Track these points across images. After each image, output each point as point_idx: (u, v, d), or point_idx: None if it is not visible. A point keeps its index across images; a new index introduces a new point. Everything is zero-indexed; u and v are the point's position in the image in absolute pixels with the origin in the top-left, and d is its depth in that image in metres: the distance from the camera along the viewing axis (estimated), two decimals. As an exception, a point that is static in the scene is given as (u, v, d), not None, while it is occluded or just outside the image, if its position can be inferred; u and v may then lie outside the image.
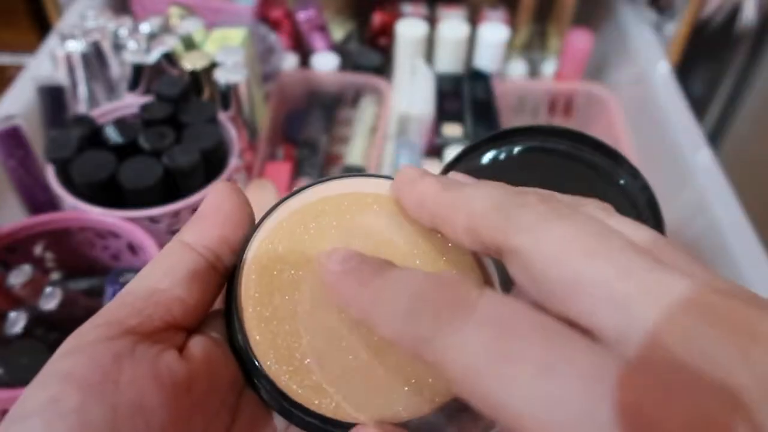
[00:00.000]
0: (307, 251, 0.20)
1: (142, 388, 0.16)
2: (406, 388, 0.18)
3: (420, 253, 0.20)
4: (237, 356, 0.20)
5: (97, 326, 0.17)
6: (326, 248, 0.18)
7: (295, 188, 0.22)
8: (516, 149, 0.27)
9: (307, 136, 0.69)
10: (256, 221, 0.21)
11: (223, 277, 0.20)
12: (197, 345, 0.19)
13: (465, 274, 0.20)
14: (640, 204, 0.26)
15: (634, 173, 0.26)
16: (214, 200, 0.21)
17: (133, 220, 0.47)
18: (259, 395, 0.20)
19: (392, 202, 0.21)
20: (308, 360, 0.19)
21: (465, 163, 0.28)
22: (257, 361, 0.19)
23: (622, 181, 0.26)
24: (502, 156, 0.28)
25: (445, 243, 0.20)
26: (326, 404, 0.18)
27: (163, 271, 0.19)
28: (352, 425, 0.18)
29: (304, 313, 0.19)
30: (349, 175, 0.22)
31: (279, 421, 0.21)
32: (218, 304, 0.21)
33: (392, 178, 0.21)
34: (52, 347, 0.39)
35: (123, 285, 0.42)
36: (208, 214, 0.20)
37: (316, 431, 0.19)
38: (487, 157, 0.28)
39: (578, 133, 0.26)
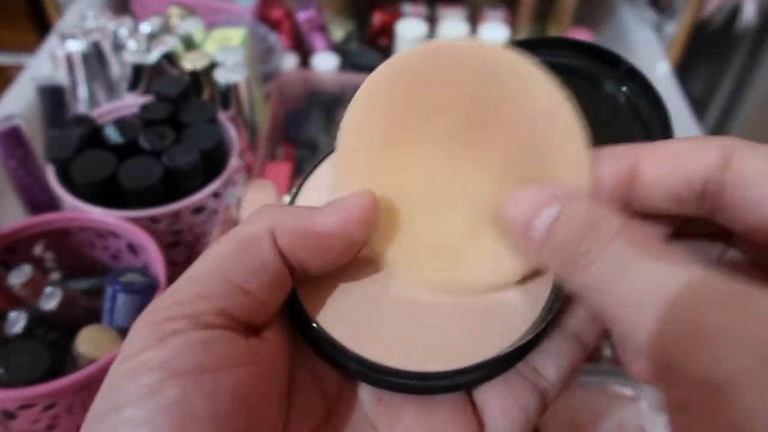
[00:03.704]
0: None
1: (238, 375, 0.17)
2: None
3: None
4: (312, 344, 0.20)
5: (180, 317, 0.17)
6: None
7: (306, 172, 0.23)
8: None
9: (307, 136, 0.69)
10: None
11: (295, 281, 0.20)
12: (269, 336, 0.19)
13: None
14: (644, 113, 0.25)
15: (632, 76, 0.25)
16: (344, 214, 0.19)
17: (133, 220, 0.46)
18: (348, 374, 0.20)
19: None
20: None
21: None
22: (343, 345, 0.19)
23: (624, 88, 0.25)
24: None
25: None
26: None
27: (250, 270, 0.18)
28: (450, 374, 0.19)
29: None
30: None
31: (364, 394, 0.21)
32: None
33: None
34: (52, 347, 0.39)
35: (123, 285, 0.42)
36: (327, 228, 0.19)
37: (414, 390, 0.19)
38: None
39: (574, 41, 0.25)
